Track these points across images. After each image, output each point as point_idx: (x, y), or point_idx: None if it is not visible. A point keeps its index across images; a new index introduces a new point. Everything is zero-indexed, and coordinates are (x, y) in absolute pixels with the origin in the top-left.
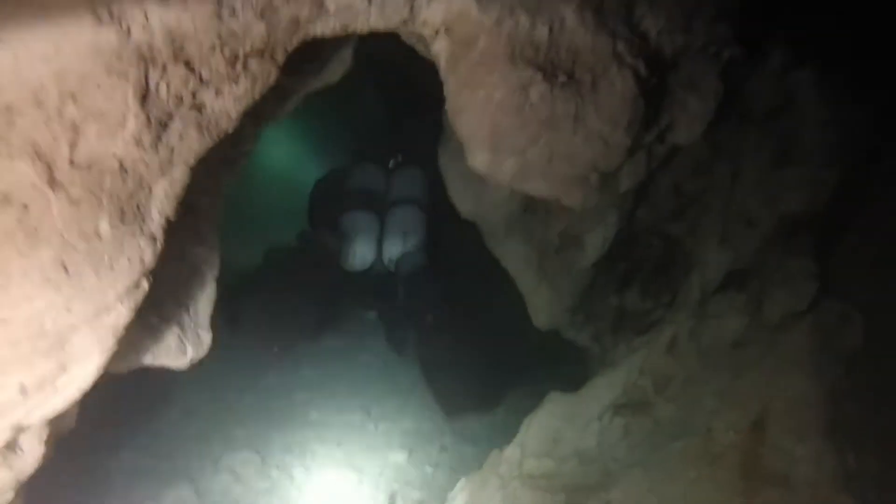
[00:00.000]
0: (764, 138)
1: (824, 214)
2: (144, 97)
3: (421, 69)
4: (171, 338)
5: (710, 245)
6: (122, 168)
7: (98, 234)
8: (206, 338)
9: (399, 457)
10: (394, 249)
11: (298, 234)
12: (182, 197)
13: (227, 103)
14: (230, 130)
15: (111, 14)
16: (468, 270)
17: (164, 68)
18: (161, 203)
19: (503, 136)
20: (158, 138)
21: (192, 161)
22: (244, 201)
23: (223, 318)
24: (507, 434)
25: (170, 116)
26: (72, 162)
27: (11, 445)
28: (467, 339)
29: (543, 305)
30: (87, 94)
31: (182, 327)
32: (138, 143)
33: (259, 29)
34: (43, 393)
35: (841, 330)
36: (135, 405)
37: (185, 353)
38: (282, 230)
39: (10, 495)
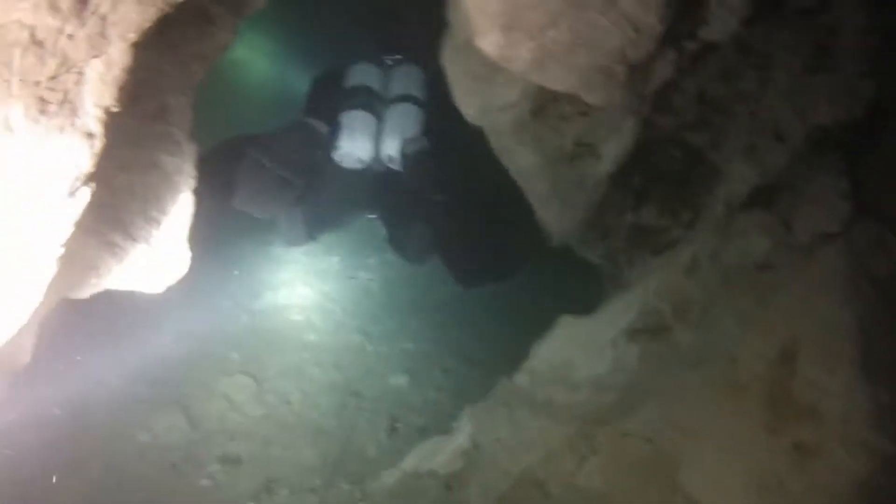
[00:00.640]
0: (797, 42)
1: (858, 129)
2: None
3: None
4: (140, 259)
5: (735, 158)
6: (35, 41)
7: (9, 128)
8: (184, 258)
9: (400, 380)
10: (392, 146)
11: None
12: (127, 84)
13: None
14: None
15: None
16: (470, 179)
17: None
18: (97, 90)
19: (520, 12)
20: (82, 2)
21: (132, 36)
22: (230, 113)
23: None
24: (514, 360)
25: None
26: None
27: None
28: (478, 218)
29: (555, 219)
30: None
31: (153, 246)
32: (53, 7)
33: None
34: None
35: (875, 253)
36: (124, 330)
37: (158, 275)
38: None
39: None
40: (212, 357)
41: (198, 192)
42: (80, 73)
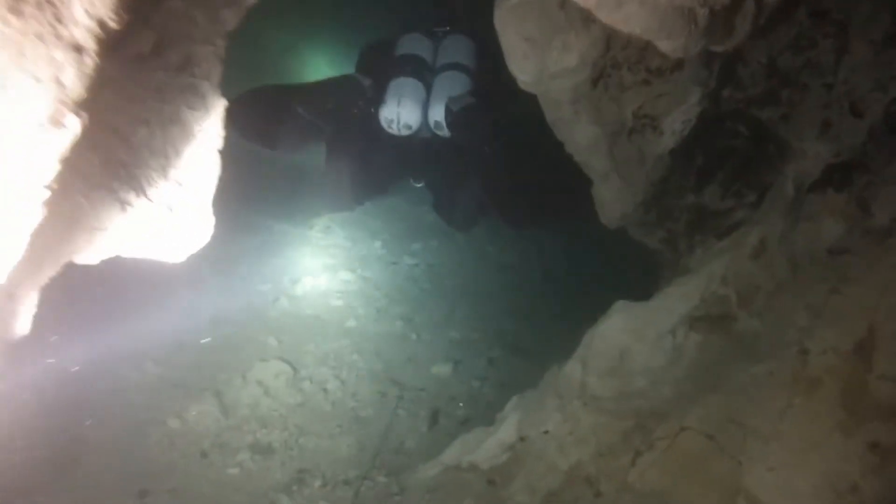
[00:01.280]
0: (876, 10)
1: None
2: None
3: None
4: (157, 223)
5: (807, 134)
6: None
7: None
8: (207, 224)
9: (443, 369)
10: (439, 112)
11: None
12: None
13: None
14: None
15: None
16: (522, 153)
17: None
18: None
19: None
20: None
21: None
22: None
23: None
24: (564, 348)
25: None
26: None
27: None
28: (524, 170)
29: (613, 198)
30: None
31: (173, 210)
32: None
33: None
34: None
35: None
36: (159, 312)
37: (177, 242)
38: None
39: None
40: (249, 342)
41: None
42: None
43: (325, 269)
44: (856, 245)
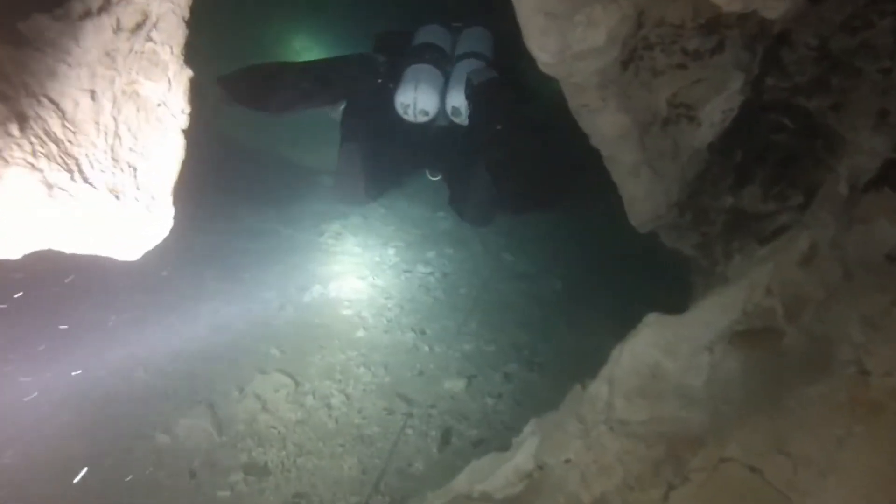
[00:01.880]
0: None
1: None
2: None
3: None
4: (100, 212)
5: (861, 126)
6: None
7: None
8: (164, 217)
9: (456, 385)
10: (457, 99)
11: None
12: None
13: None
14: None
15: None
16: (534, 141)
17: None
18: None
19: None
20: None
21: None
22: None
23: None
24: (584, 364)
25: None
26: None
27: None
28: (533, 158)
29: (643, 196)
30: None
31: (122, 198)
32: None
33: None
34: None
35: None
36: (155, 317)
37: (128, 236)
38: None
39: None
40: (250, 352)
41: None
42: None
43: (335, 277)
44: None
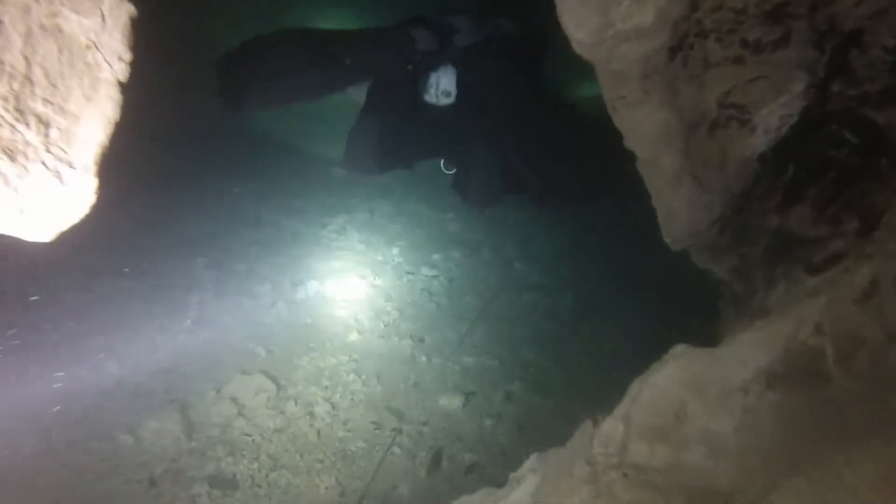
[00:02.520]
0: None
1: None
2: None
3: None
4: (6, 184)
5: None
6: None
7: None
8: (83, 189)
9: (452, 402)
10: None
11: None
12: None
13: None
14: None
15: None
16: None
17: None
18: None
19: None
20: None
21: None
22: None
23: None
24: (599, 391)
25: None
26: None
27: None
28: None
29: (683, 209)
30: None
31: (24, 161)
32: None
33: None
34: None
35: None
36: (135, 304)
37: (33, 211)
38: None
39: None
40: (233, 349)
41: None
42: None
43: (333, 274)
44: None
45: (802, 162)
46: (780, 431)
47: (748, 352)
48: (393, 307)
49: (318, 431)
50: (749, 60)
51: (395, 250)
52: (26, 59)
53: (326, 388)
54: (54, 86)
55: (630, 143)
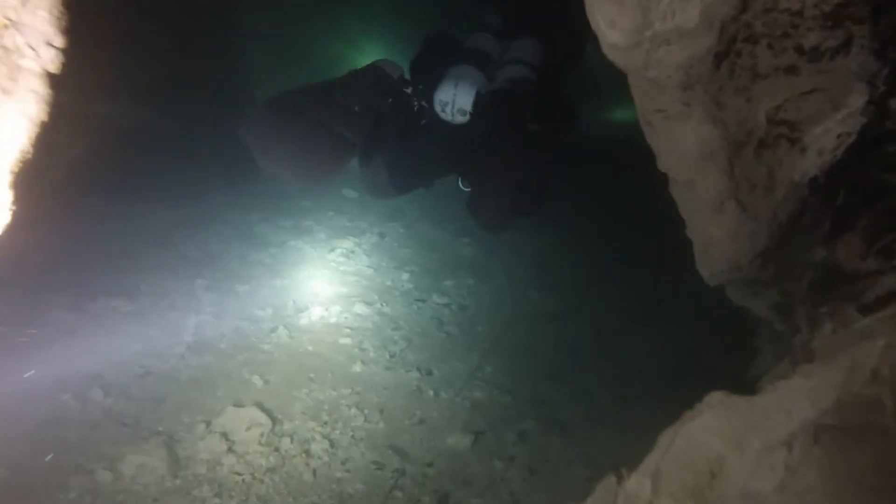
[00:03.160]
0: None
1: None
2: None
3: None
4: None
5: None
6: None
7: None
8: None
9: (460, 441)
10: (465, 101)
11: None
12: None
13: None
14: None
15: None
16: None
17: None
18: None
19: None
20: None
21: None
22: None
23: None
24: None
25: None
26: None
27: None
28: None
29: (725, 239)
30: None
31: None
32: None
33: None
34: None
35: None
36: (127, 327)
37: None
38: None
39: None
40: (228, 378)
41: None
42: None
43: (339, 299)
44: None
45: (854, 187)
46: (830, 492)
47: (793, 401)
48: (400, 336)
49: (314, 471)
50: (804, 70)
51: (406, 276)
52: None
53: (325, 423)
54: None
55: (665, 162)
